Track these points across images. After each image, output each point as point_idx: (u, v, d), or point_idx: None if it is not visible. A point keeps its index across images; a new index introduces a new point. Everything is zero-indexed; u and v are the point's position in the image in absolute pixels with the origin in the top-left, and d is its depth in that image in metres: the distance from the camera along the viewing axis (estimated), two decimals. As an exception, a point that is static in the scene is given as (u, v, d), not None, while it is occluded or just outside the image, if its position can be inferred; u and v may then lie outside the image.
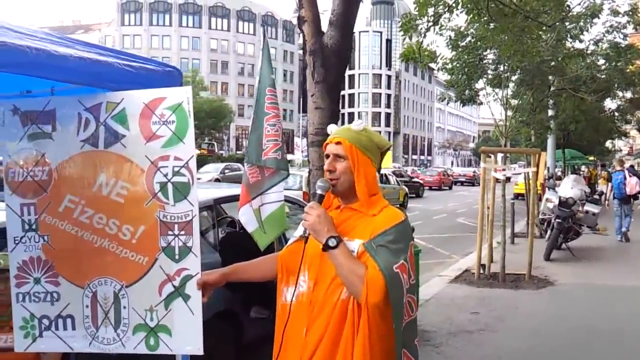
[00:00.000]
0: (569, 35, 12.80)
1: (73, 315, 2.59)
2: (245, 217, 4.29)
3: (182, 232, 2.44)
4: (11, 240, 2.66)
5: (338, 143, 2.15)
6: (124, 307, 2.51)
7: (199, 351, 2.45)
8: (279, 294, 2.28)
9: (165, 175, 2.44)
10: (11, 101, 2.67)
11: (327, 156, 2.19)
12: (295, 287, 2.18)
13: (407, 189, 24.47)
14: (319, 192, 2.13)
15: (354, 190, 2.14)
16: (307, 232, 2.09)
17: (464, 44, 12.06)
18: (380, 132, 62.56)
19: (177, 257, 2.44)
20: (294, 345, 2.12)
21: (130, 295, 2.50)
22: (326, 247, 2.01)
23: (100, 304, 2.54)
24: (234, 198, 4.74)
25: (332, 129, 2.27)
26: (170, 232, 2.44)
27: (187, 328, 2.44)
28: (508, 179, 9.81)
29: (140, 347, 2.50)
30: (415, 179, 32.78)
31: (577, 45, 13.82)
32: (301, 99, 79.78)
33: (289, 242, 2.37)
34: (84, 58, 2.47)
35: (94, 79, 2.56)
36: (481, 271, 8.65)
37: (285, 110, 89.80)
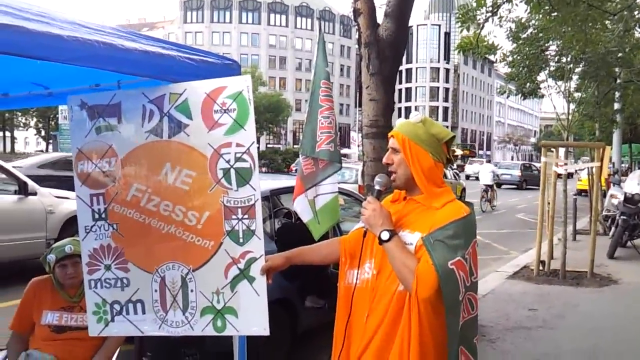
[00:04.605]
0: (637, 25, 12.25)
1: (143, 299, 2.67)
2: (300, 207, 4.37)
3: (246, 216, 2.50)
4: (82, 229, 2.76)
5: (392, 137, 2.22)
6: (192, 291, 2.57)
7: (265, 331, 2.49)
8: (341, 276, 2.35)
9: (228, 162, 2.50)
10: (79, 96, 2.78)
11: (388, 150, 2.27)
12: (358, 271, 2.23)
13: (464, 184, 24.06)
14: (376, 187, 2.19)
15: (415, 182, 2.17)
16: (365, 226, 2.15)
17: (525, 35, 11.74)
18: (437, 126, 61.68)
19: (241, 240, 2.51)
20: (356, 328, 2.19)
21: (197, 278, 2.57)
22: (380, 241, 2.07)
23: (169, 288, 2.61)
24: (290, 189, 4.82)
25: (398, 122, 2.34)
26: (234, 216, 2.51)
27: (252, 309, 2.50)
28: (570, 175, 9.54)
29: (208, 329, 2.57)
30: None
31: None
32: (357, 94, 79.65)
33: (354, 228, 2.42)
34: (148, 51, 2.54)
35: (157, 71, 2.62)
36: (540, 268, 8.47)
37: (342, 104, 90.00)
